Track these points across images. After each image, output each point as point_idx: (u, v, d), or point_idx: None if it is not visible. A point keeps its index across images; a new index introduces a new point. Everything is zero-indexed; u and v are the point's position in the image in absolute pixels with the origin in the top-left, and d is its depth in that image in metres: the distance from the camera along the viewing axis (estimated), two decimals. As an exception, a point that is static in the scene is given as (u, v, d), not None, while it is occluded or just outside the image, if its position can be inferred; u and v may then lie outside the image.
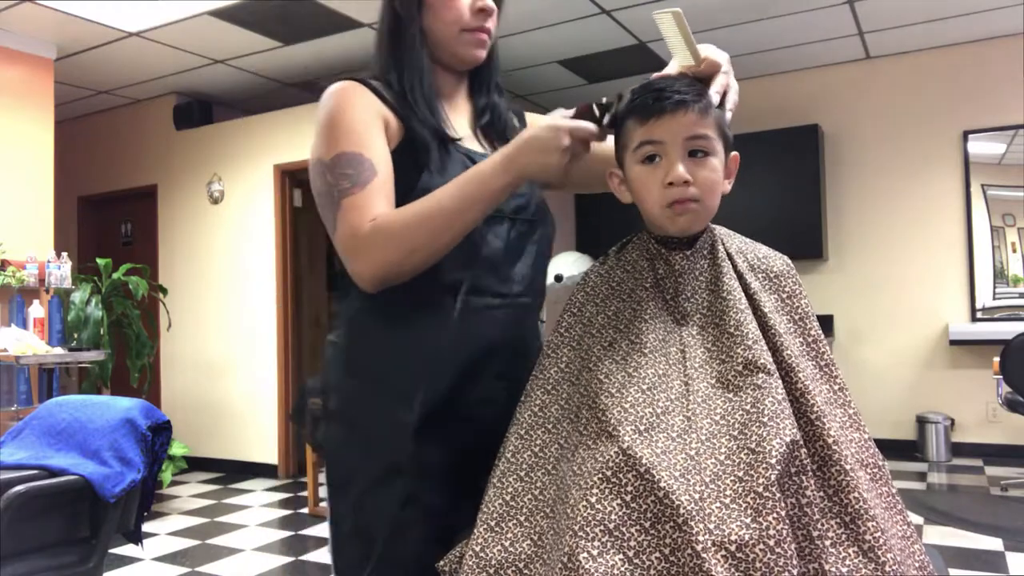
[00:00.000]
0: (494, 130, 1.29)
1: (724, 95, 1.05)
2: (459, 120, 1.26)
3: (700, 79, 1.06)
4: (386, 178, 1.12)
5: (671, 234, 1.06)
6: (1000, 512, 3.92)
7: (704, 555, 0.81)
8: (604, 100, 1.06)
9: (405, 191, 1.12)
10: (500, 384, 1.17)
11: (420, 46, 1.21)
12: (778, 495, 0.85)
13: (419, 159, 1.15)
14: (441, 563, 1.03)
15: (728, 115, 1.06)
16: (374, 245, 1.07)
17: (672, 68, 1.08)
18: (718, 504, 0.85)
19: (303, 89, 5.72)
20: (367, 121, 1.14)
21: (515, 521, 0.98)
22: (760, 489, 0.85)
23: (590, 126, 1.05)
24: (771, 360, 0.96)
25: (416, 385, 1.13)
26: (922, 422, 5.18)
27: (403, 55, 1.21)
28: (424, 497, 1.12)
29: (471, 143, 1.24)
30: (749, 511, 0.84)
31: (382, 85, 1.20)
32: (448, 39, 1.21)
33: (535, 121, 1.36)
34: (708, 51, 1.06)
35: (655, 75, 1.08)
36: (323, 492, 4.81)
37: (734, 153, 1.08)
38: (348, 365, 1.20)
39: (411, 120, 1.17)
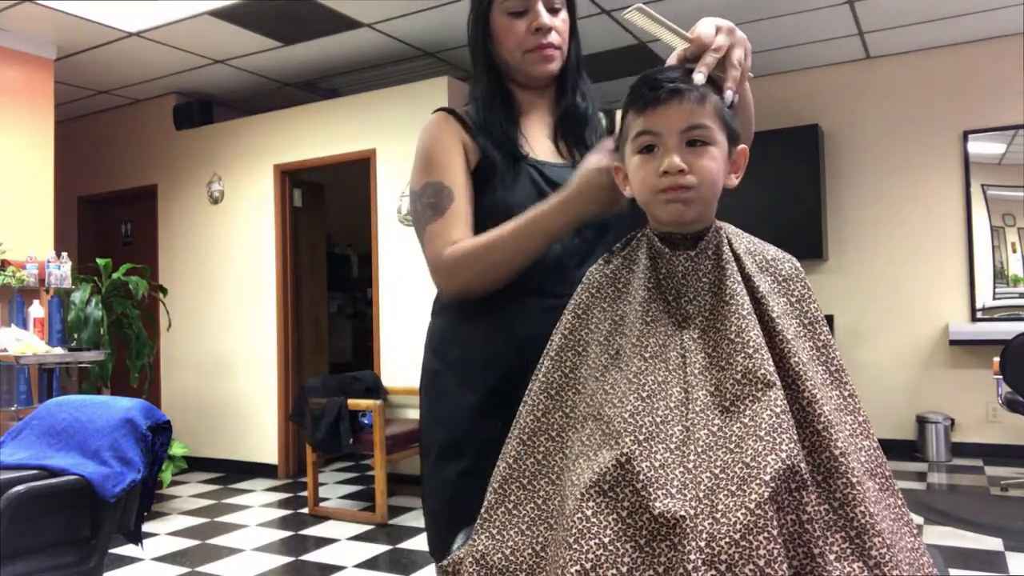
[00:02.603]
0: (572, 135, 1.37)
1: (726, 74, 1.04)
2: (539, 134, 1.36)
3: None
4: (464, 202, 1.28)
5: (665, 224, 1.04)
6: (1000, 512, 3.91)
7: (694, 574, 0.80)
8: None
9: (481, 206, 1.28)
10: None
11: (489, 76, 1.34)
12: (771, 513, 0.83)
13: (492, 177, 1.30)
14: (444, 563, 1.03)
15: (728, 94, 1.03)
16: (450, 271, 1.24)
17: (673, 58, 1.07)
18: (710, 520, 0.83)
19: (303, 89, 5.72)
20: (449, 150, 1.30)
21: (517, 530, 0.97)
22: (752, 506, 0.83)
23: None
24: (773, 370, 0.94)
25: (479, 373, 1.28)
26: (922, 422, 5.18)
27: (477, 85, 1.36)
28: (481, 471, 1.18)
29: (548, 155, 1.34)
30: (739, 528, 0.82)
31: (469, 110, 1.35)
32: (516, 63, 1.32)
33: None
34: (700, 27, 1.05)
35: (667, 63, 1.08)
36: (324, 488, 4.79)
37: (742, 146, 1.06)
38: (432, 348, 1.38)
39: (485, 142, 1.31)
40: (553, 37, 1.30)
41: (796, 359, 0.96)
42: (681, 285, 1.02)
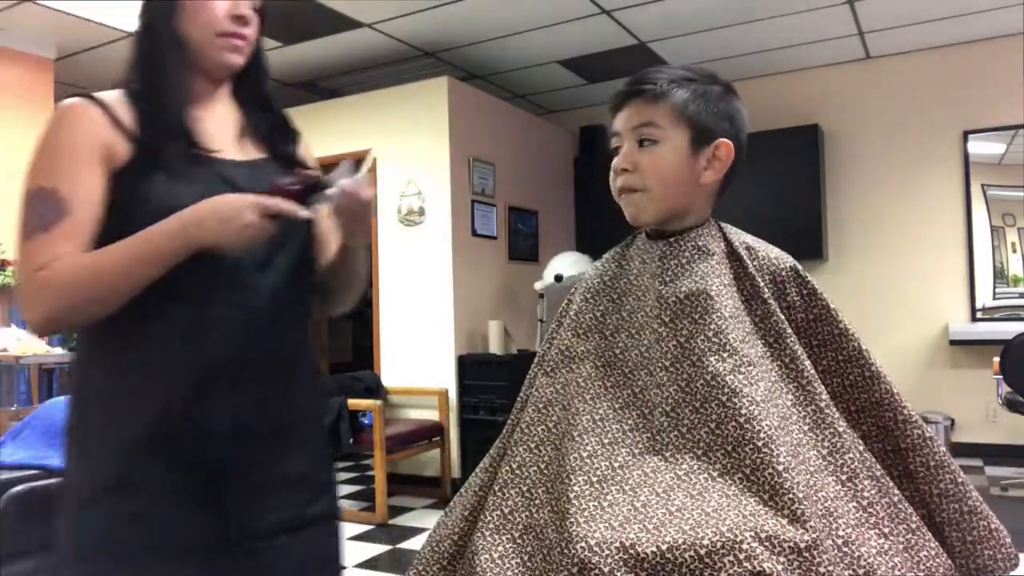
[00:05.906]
0: (260, 130, 1.25)
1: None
2: (221, 127, 1.20)
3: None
4: (83, 218, 1.05)
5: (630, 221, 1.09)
6: (1000, 512, 3.89)
7: None
8: (323, 184, 1.08)
9: (139, 209, 1.06)
10: (243, 398, 1.12)
11: (171, 52, 1.15)
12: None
13: (156, 172, 1.09)
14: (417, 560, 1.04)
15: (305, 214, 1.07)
16: (38, 297, 1.03)
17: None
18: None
19: (303, 89, 5.72)
20: (79, 151, 1.06)
21: (509, 536, 0.98)
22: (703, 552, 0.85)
23: (287, 207, 1.04)
24: (749, 374, 0.95)
25: (134, 402, 1.08)
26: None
27: (153, 57, 1.15)
28: (146, 512, 1.06)
29: (233, 151, 1.19)
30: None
31: (121, 97, 1.13)
32: (203, 43, 1.15)
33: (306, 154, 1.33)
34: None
35: None
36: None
37: (720, 140, 1.03)
38: (77, 386, 1.16)
39: (151, 132, 1.10)
40: (249, 30, 1.18)
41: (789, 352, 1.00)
42: (658, 267, 1.04)
